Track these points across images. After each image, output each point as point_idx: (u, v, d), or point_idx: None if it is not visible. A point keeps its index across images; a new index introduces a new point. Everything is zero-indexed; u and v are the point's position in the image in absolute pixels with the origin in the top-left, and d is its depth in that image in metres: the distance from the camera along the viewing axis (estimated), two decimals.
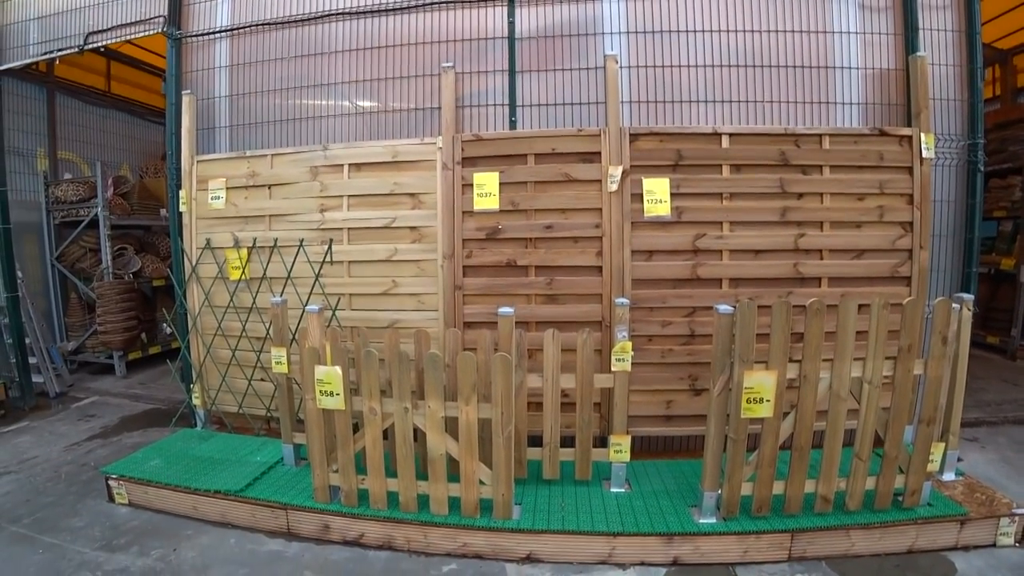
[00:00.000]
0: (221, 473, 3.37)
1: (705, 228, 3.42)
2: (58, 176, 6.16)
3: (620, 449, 3.11)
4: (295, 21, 4.16)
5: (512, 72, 3.73)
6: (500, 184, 3.49)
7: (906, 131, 3.51)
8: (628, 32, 3.69)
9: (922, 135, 3.48)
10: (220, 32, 4.36)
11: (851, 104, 3.68)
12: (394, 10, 3.96)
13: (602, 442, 3.41)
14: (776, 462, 2.76)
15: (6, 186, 5.11)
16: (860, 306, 2.69)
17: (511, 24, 3.77)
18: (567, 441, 3.13)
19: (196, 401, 4.16)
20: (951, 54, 3.78)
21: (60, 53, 4.98)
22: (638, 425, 3.45)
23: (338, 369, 2.90)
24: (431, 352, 2.82)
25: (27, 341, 5.10)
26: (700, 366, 3.41)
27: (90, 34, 4.84)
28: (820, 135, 3.46)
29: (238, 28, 4.30)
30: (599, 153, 3.43)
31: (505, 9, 3.79)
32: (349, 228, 3.77)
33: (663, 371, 3.45)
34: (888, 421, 2.84)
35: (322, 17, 4.10)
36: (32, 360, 5.12)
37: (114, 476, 3.39)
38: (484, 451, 2.85)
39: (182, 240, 4.18)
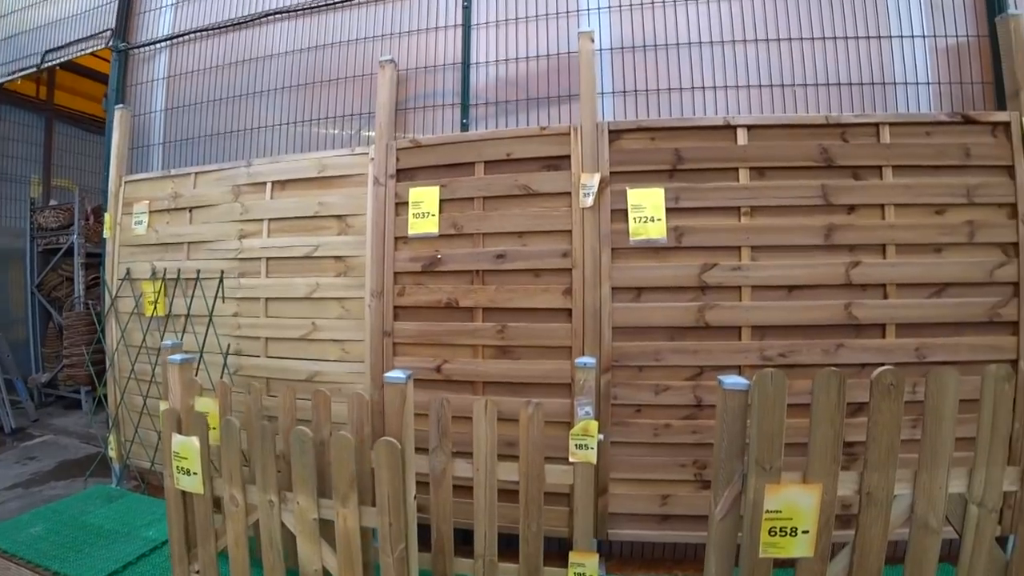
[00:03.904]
0: (98, 551, 2.47)
1: (716, 255, 2.22)
2: (49, 203, 5.50)
3: (582, 572, 1.95)
4: (232, 25, 3.26)
5: (466, 65, 2.67)
6: (441, 201, 2.41)
7: (1000, 116, 2.24)
8: (611, 7, 2.58)
9: None
10: (161, 42, 3.51)
11: (916, 84, 2.43)
12: (333, 4, 3.00)
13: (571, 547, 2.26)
14: None
15: None
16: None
17: (466, 9, 2.74)
18: (515, 542, 2.00)
19: (112, 453, 3.23)
20: None
21: (21, 74, 4.28)
22: (622, 526, 2.26)
23: (195, 440, 1.96)
24: (297, 428, 1.83)
25: None
26: (709, 448, 2.19)
27: (47, 52, 4.12)
28: (877, 124, 2.23)
29: (176, 36, 3.43)
30: (569, 157, 2.30)
31: None
32: (268, 258, 2.76)
33: (657, 454, 2.23)
34: (1011, 566, 1.59)
35: (259, 18, 3.19)
36: None
37: None
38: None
39: (103, 270, 3.30)
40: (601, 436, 2.00)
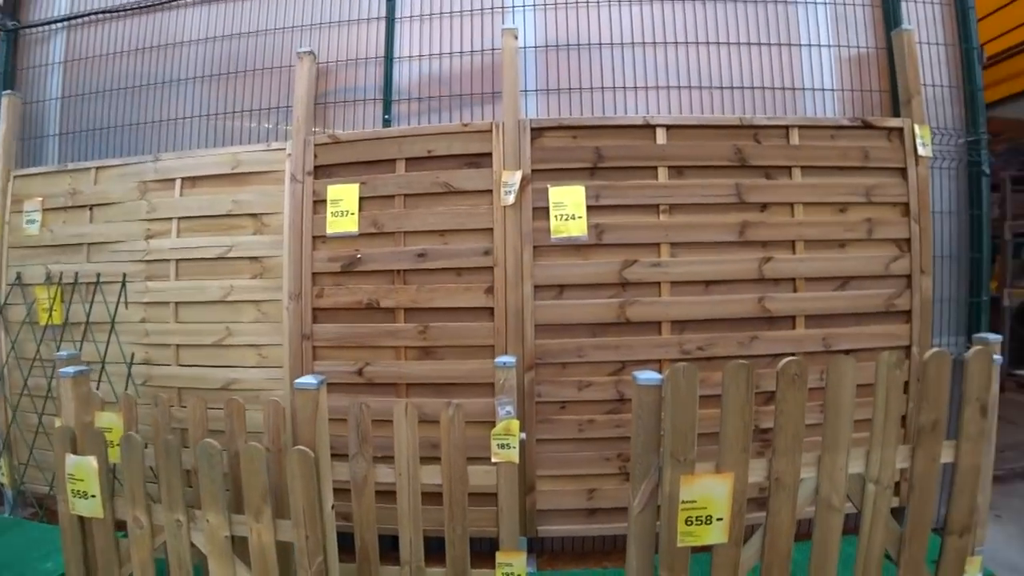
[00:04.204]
0: None
1: (636, 252, 2.24)
2: None
3: (510, 571, 1.93)
4: (140, 7, 3.02)
5: (389, 59, 2.59)
6: (360, 199, 2.31)
7: (895, 122, 2.40)
8: (536, 5, 2.57)
9: (916, 127, 2.39)
10: (58, 22, 3.20)
11: (823, 90, 2.56)
12: None
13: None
14: None
15: None
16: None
17: (390, 2, 2.65)
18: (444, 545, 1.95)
19: (4, 479, 2.92)
20: (939, 30, 2.70)
21: None
22: (551, 522, 2.25)
23: (92, 460, 1.80)
24: (204, 442, 1.72)
25: None
26: None
27: None
28: (787, 127, 2.33)
29: (76, 17, 3.14)
30: (490, 155, 2.26)
31: None
32: (178, 259, 2.57)
33: (582, 449, 2.24)
34: (904, 535, 1.71)
35: (170, 0, 2.97)
36: None
37: None
38: None
39: None
40: (523, 435, 1.98)
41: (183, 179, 2.62)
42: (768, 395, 2.24)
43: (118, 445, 1.90)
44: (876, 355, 1.70)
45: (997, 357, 1.80)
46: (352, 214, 2.30)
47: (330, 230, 2.33)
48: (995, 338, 1.93)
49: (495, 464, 1.94)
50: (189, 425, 2.06)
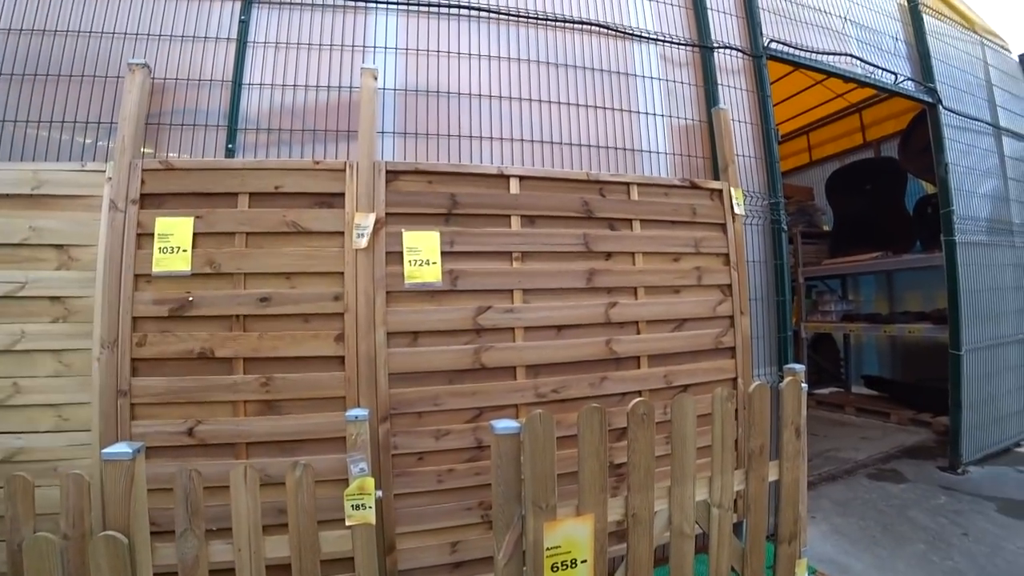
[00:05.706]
0: None
1: (490, 298, 2.26)
2: None
3: None
4: None
5: (237, 84, 2.37)
6: (195, 235, 2.05)
7: (716, 184, 2.76)
8: (398, 49, 2.55)
9: (732, 189, 2.76)
10: None
11: (658, 153, 2.86)
12: None
13: None
14: None
15: None
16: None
17: (243, 23, 2.45)
18: None
19: None
20: (747, 112, 3.19)
21: None
22: None
23: None
24: None
25: None
26: None
27: None
28: (628, 183, 2.55)
29: None
30: (343, 195, 2.15)
31: (238, 5, 2.47)
32: None
33: (443, 500, 2.16)
34: (745, 551, 1.90)
35: None
36: None
37: None
38: None
39: None
40: (379, 492, 1.85)
41: None
42: (619, 431, 2.37)
43: None
44: (709, 388, 1.89)
45: (804, 385, 2.10)
46: (184, 251, 2.03)
47: (157, 268, 2.02)
48: (800, 367, 2.22)
49: (350, 527, 1.78)
50: None
